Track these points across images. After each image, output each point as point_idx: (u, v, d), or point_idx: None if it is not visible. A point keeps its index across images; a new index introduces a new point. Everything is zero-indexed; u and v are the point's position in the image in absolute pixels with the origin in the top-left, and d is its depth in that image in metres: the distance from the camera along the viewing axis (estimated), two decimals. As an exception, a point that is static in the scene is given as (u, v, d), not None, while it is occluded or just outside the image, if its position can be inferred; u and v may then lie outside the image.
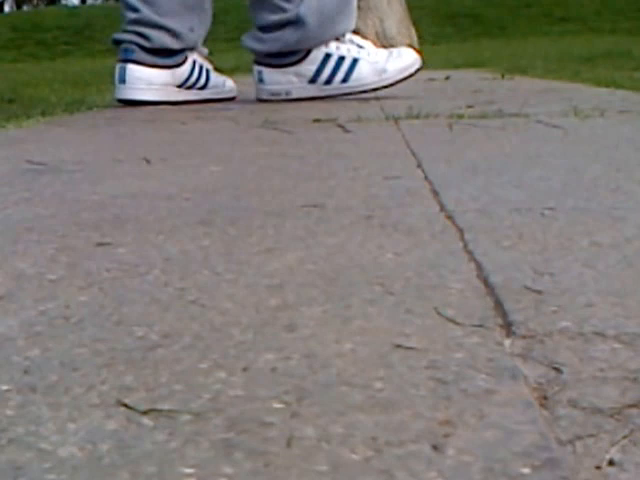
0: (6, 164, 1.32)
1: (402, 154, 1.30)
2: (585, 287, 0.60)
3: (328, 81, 2.47)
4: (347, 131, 1.65)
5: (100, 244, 0.77)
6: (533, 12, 16.66)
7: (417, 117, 1.85)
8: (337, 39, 2.49)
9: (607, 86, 2.67)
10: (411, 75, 2.49)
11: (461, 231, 0.78)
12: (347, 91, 2.48)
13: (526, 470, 0.35)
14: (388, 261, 0.68)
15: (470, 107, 2.05)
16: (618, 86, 2.62)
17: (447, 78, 3.57)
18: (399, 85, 3.01)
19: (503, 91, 2.68)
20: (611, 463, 0.36)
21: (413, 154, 1.29)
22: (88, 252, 0.74)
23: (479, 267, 0.66)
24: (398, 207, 0.89)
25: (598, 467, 0.36)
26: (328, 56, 2.46)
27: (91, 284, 0.64)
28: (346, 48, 2.47)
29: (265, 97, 2.53)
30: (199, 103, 2.58)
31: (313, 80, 2.48)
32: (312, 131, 1.68)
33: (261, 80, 2.53)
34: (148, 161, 1.30)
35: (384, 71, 2.46)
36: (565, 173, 1.07)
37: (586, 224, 0.79)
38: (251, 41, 2.55)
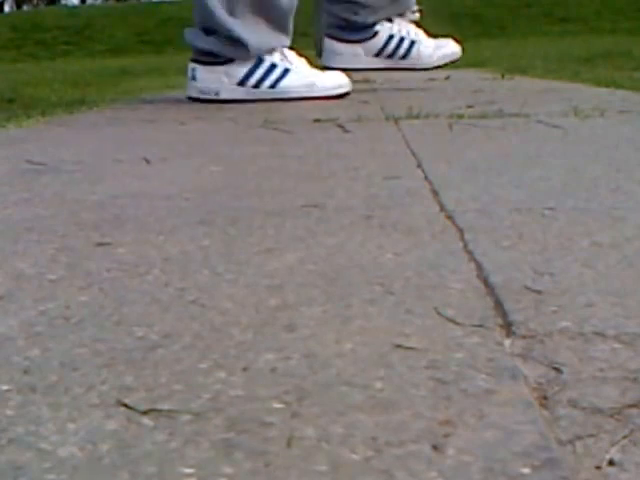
0: (6, 164, 1.32)
1: (402, 154, 1.30)
2: (585, 287, 0.60)
3: (256, 85, 2.49)
4: (347, 131, 1.65)
5: (100, 244, 0.77)
6: (533, 12, 16.65)
7: (417, 117, 1.85)
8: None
9: (607, 86, 2.67)
10: (339, 96, 2.51)
11: (461, 231, 0.78)
12: (274, 97, 2.49)
13: (526, 470, 0.35)
14: (388, 261, 0.68)
15: (470, 107, 2.05)
16: (618, 86, 2.62)
17: (447, 78, 3.57)
18: (399, 85, 3.01)
19: (503, 91, 2.68)
20: (611, 463, 0.36)
21: (413, 154, 1.29)
22: (88, 252, 0.74)
23: (479, 267, 0.66)
24: (398, 207, 0.89)
25: (598, 467, 0.36)
26: (260, 61, 2.48)
27: (91, 284, 0.64)
28: (279, 57, 2.51)
29: (194, 95, 2.53)
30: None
31: (242, 82, 2.49)
32: (312, 131, 1.68)
33: (194, 77, 2.54)
34: (148, 161, 1.30)
35: (313, 84, 2.51)
36: (565, 173, 1.07)
37: (586, 224, 0.79)
38: (192, 36, 2.56)
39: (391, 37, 2.92)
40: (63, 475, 0.36)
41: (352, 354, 0.49)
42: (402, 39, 2.93)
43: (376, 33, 2.92)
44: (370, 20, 2.91)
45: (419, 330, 0.52)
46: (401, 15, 2.95)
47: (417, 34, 2.95)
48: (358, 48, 2.93)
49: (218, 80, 2.49)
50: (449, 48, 2.97)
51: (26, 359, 0.49)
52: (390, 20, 2.93)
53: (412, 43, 2.93)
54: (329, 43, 2.98)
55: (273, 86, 2.48)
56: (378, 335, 0.52)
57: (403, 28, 2.94)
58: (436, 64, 2.95)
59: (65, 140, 1.68)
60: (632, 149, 1.29)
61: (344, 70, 2.69)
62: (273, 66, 2.48)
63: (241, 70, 2.48)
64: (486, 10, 16.88)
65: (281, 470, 0.36)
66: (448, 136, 1.53)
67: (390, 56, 2.93)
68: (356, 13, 2.91)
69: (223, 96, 2.48)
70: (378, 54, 2.94)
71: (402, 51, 2.93)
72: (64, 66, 8.04)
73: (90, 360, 0.49)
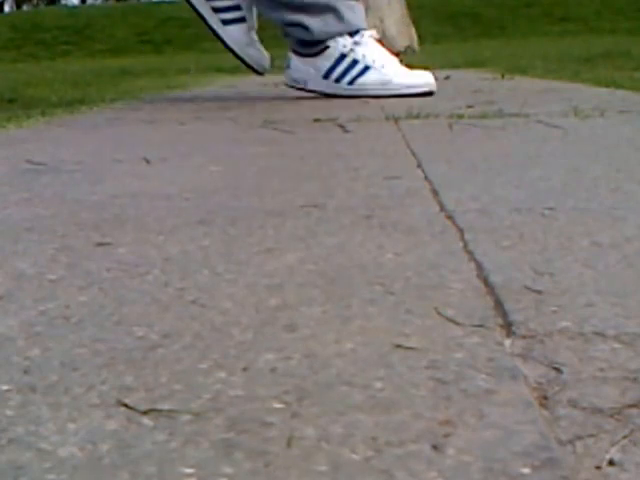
0: (6, 164, 1.32)
1: (402, 154, 1.30)
2: (585, 287, 0.60)
3: (337, 80, 2.58)
4: (347, 131, 1.65)
5: (100, 244, 0.77)
6: (533, 12, 16.66)
7: (417, 117, 1.85)
8: (351, 36, 2.57)
9: (607, 86, 2.67)
10: (418, 95, 2.48)
11: (461, 231, 0.78)
12: (351, 93, 2.56)
13: (526, 470, 0.35)
14: (388, 261, 0.68)
15: (470, 107, 2.05)
16: (618, 86, 2.62)
17: (447, 78, 3.57)
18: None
19: (503, 91, 2.68)
20: (611, 463, 0.36)
21: (413, 154, 1.29)
22: (88, 252, 0.74)
23: (479, 267, 0.66)
24: (398, 207, 0.89)
25: (598, 467, 0.36)
26: (343, 56, 2.56)
27: (91, 284, 0.64)
28: (362, 53, 2.54)
29: (288, 82, 2.69)
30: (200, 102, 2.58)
31: (326, 76, 2.59)
32: (312, 131, 1.68)
33: (288, 66, 2.68)
34: (148, 161, 1.30)
35: (389, 82, 2.53)
36: (565, 173, 1.07)
37: (586, 224, 0.79)
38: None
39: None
40: (63, 475, 0.36)
41: (352, 354, 0.49)
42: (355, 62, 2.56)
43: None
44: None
45: (419, 330, 0.52)
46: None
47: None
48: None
49: (307, 72, 2.62)
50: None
51: (26, 359, 0.49)
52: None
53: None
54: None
55: (351, 82, 2.56)
56: (378, 335, 0.52)
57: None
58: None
59: (65, 140, 1.68)
60: (632, 149, 1.29)
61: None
62: (355, 62, 2.55)
63: (326, 64, 2.58)
64: (486, 10, 16.88)
65: (281, 470, 0.36)
66: (448, 136, 1.53)
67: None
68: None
69: (310, 87, 2.62)
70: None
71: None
72: (64, 66, 8.04)
73: (90, 360, 0.49)
